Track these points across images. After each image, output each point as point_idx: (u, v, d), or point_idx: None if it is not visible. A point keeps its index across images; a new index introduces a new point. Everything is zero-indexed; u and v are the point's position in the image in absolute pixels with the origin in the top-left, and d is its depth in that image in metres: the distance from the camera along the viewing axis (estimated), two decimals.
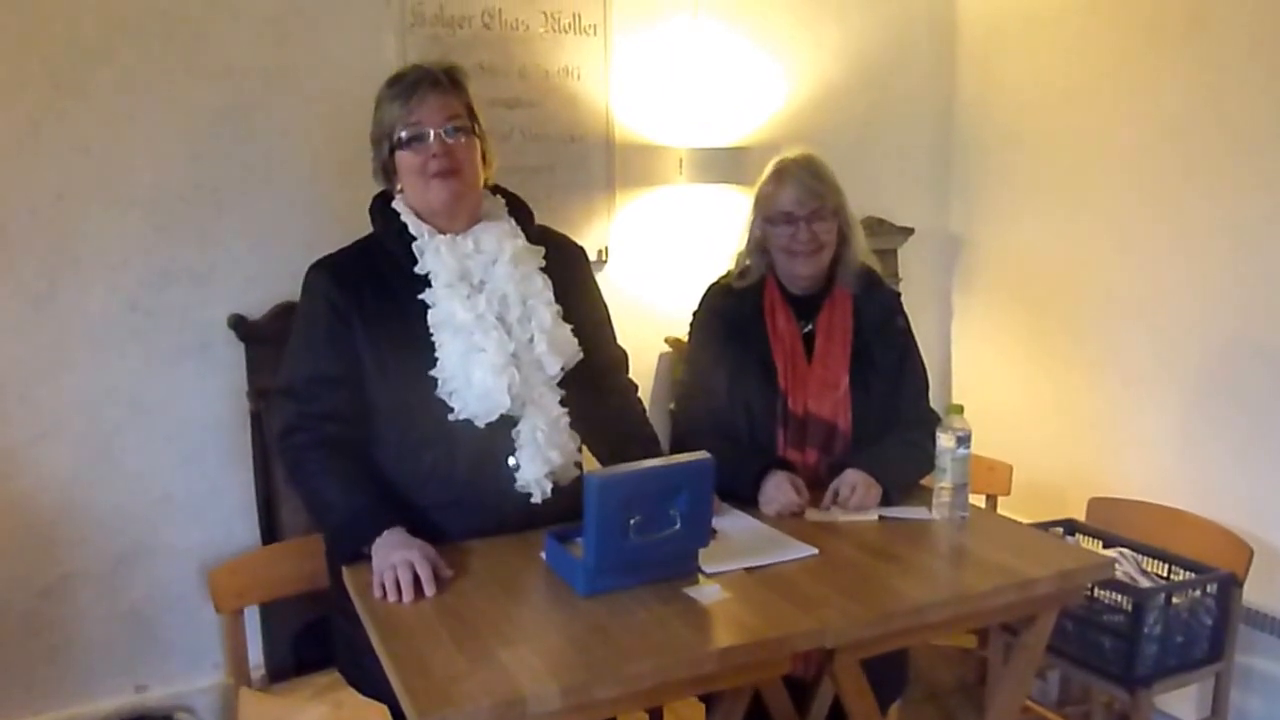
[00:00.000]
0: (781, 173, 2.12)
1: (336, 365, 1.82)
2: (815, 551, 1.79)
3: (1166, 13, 2.65)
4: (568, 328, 1.90)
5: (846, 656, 1.61)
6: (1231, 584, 2.34)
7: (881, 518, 1.96)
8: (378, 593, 1.62)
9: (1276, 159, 2.42)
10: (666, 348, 3.06)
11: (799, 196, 2.08)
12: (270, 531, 2.59)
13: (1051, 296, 3.07)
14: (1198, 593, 2.31)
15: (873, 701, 1.72)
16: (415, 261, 1.84)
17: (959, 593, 1.67)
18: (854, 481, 1.99)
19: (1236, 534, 2.41)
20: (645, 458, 1.72)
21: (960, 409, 1.94)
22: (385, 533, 1.70)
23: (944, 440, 1.91)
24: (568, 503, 1.77)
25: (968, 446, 1.91)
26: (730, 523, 1.91)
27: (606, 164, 2.97)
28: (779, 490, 1.98)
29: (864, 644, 1.60)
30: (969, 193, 3.33)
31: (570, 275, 1.97)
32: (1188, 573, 2.37)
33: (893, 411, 2.11)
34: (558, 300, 1.89)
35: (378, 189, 1.93)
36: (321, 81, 2.60)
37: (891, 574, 1.75)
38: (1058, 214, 3.02)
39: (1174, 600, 2.28)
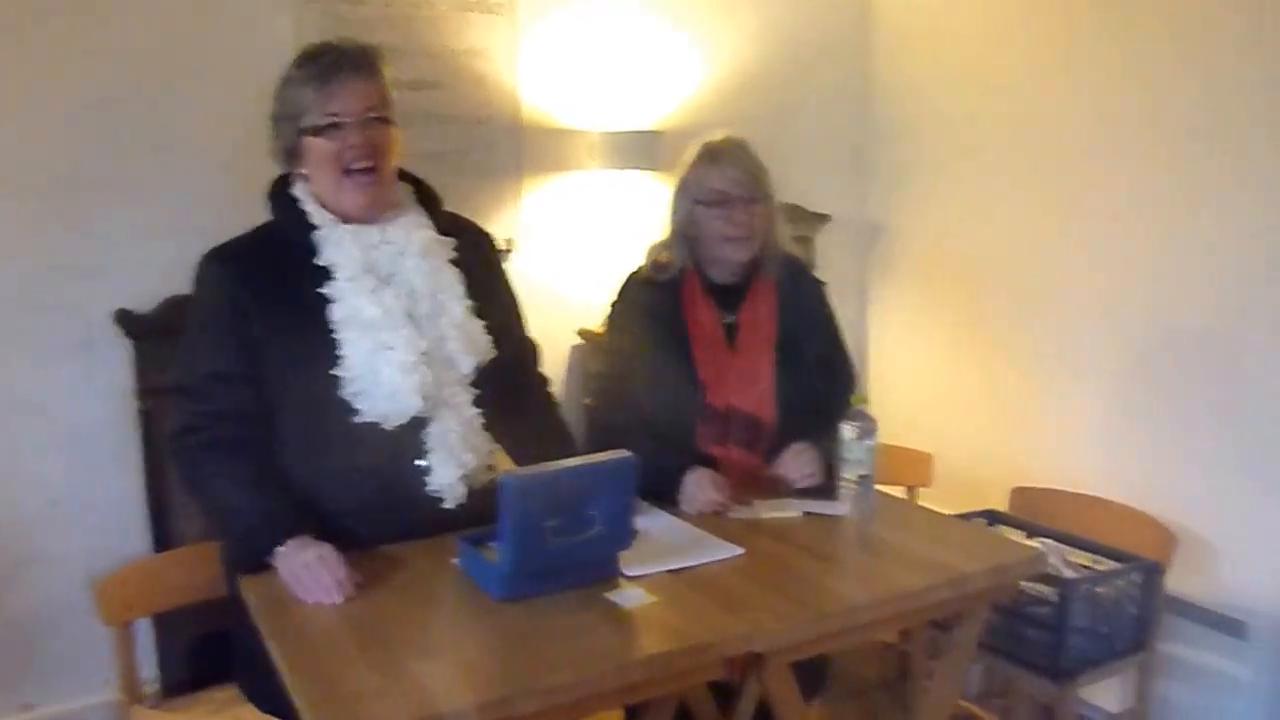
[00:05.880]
0: (715, 153, 2.06)
1: (234, 361, 1.71)
2: (741, 551, 1.73)
3: (1089, 10, 2.65)
4: (480, 323, 1.81)
5: (777, 660, 1.55)
6: (1155, 573, 2.35)
7: (807, 514, 1.91)
8: (303, 595, 1.54)
9: (1188, 148, 2.44)
10: (579, 340, 2.98)
11: (736, 177, 2.02)
12: (162, 538, 2.48)
13: (972, 284, 3.07)
14: (1122, 582, 2.31)
15: (802, 705, 1.67)
16: (317, 252, 1.73)
17: (893, 591, 1.63)
18: (793, 450, 1.96)
19: (1159, 522, 2.42)
20: (563, 457, 1.64)
21: (864, 399, 1.91)
22: (290, 540, 1.60)
23: (848, 431, 1.87)
24: (482, 506, 1.68)
25: (873, 438, 1.88)
26: (652, 523, 1.83)
27: (515, 148, 2.88)
28: (700, 488, 1.92)
29: (795, 647, 1.55)
30: (887, 180, 3.32)
31: (480, 266, 1.88)
32: (1112, 562, 2.38)
33: (819, 403, 2.06)
34: (468, 293, 1.80)
35: (277, 173, 1.81)
36: (213, 64, 2.49)
37: (820, 573, 1.70)
38: (976, 202, 3.02)
39: (1099, 590, 2.27)
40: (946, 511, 2.61)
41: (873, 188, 3.36)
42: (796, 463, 1.97)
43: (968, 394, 3.09)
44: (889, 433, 3.08)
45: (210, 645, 2.13)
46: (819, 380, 2.08)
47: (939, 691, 1.91)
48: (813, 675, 2.00)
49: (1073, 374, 2.77)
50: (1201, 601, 2.43)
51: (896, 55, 3.25)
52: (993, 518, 2.65)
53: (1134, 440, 2.61)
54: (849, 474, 1.90)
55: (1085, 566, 2.41)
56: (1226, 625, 2.39)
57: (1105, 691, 2.51)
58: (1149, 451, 2.56)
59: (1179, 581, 2.43)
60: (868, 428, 1.89)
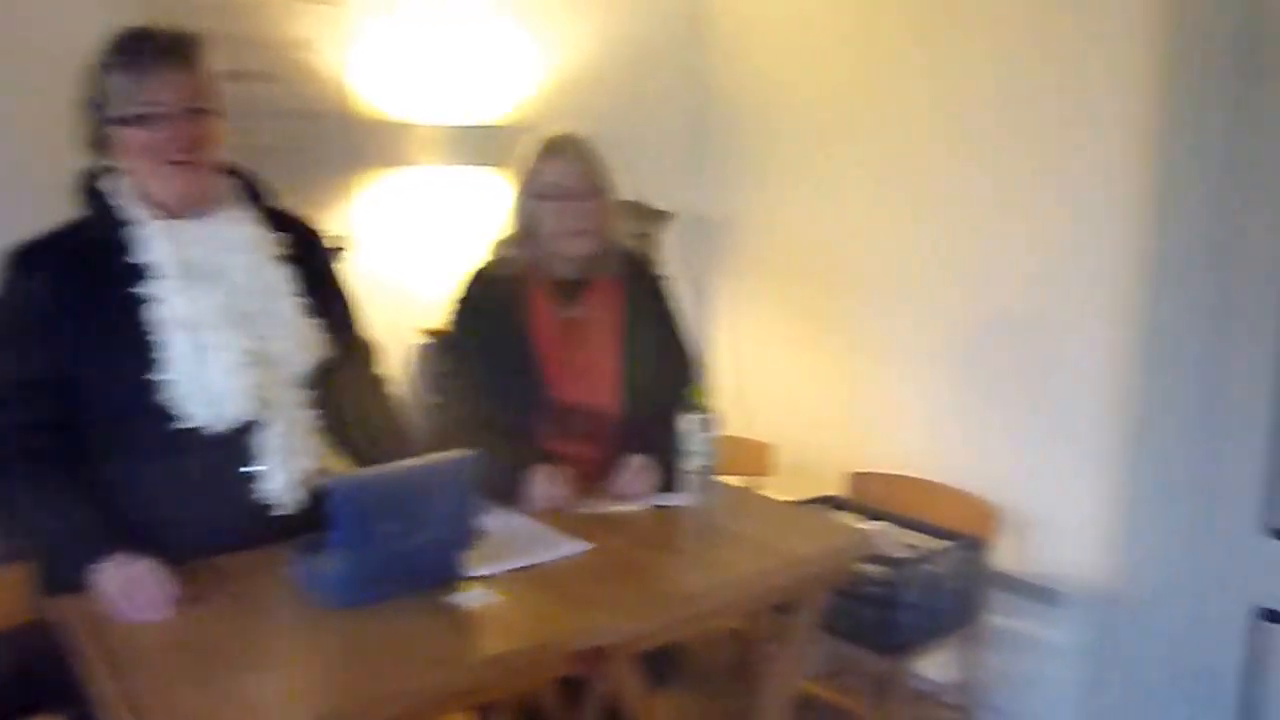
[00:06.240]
0: (554, 147, 2.05)
1: (42, 366, 1.60)
2: (588, 547, 1.73)
3: (919, 12, 2.77)
4: (311, 322, 1.74)
5: (623, 653, 1.56)
6: (978, 549, 2.49)
7: (651, 506, 1.93)
8: (127, 614, 1.45)
9: (996, 149, 2.59)
10: (422, 338, 2.92)
11: (574, 171, 2.02)
12: None
13: (810, 278, 3.17)
14: (948, 560, 2.44)
15: (650, 696, 1.69)
16: (132, 249, 1.63)
17: (732, 578, 1.66)
18: (631, 468, 1.97)
19: (983, 501, 2.56)
20: (401, 458, 1.60)
21: (706, 392, 1.94)
22: (110, 556, 1.51)
23: (690, 423, 1.91)
24: (316, 512, 1.62)
25: (714, 429, 1.92)
26: (498, 522, 1.81)
27: (349, 143, 2.79)
28: (545, 484, 1.91)
29: (640, 638, 1.56)
30: (728, 176, 3.38)
31: (312, 262, 1.81)
32: (942, 541, 2.50)
33: (666, 397, 2.08)
34: (298, 291, 1.74)
35: (85, 164, 1.69)
36: (15, 48, 2.31)
37: (665, 564, 1.73)
38: (812, 197, 3.11)
39: (928, 569, 2.39)
40: (790, 499, 2.71)
41: (715, 184, 3.42)
42: (635, 480, 1.98)
43: (809, 385, 3.19)
44: (735, 425, 3.15)
45: (15, 676, 1.98)
46: (661, 374, 2.10)
47: (781, 674, 1.96)
48: (662, 665, 2.02)
49: (902, 363, 2.90)
50: (1023, 574, 2.58)
51: (733, 52, 3.31)
52: (834, 503, 2.75)
53: (958, 424, 2.75)
54: (691, 465, 1.93)
55: (917, 546, 2.53)
56: (1044, 595, 2.55)
57: (937, 663, 2.64)
58: (973, 434, 2.71)
59: (1003, 556, 2.58)
60: (709, 420, 1.93)
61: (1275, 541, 2.16)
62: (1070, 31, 2.40)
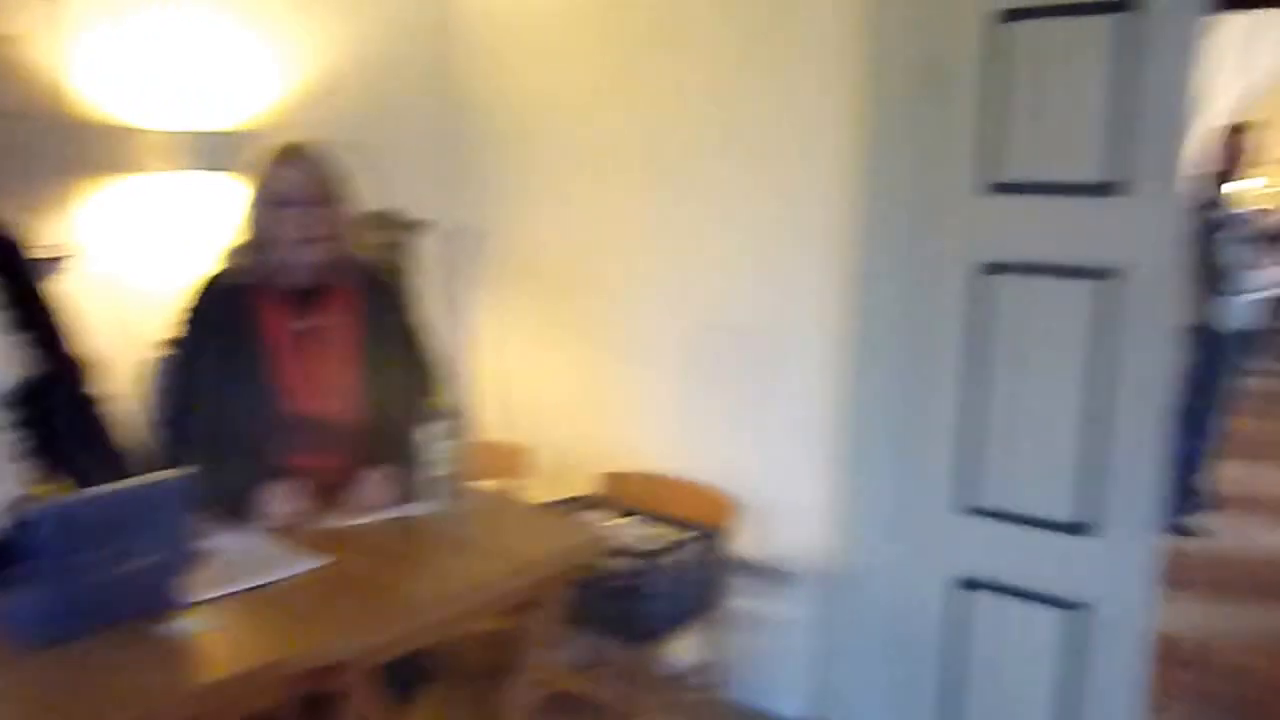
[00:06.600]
0: (287, 154, 2.01)
1: None
2: (322, 562, 1.71)
3: (653, 20, 2.89)
4: (13, 338, 1.64)
5: (358, 668, 1.56)
6: (716, 539, 2.65)
7: (390, 517, 1.94)
8: None
9: (727, 162, 2.75)
10: (153, 352, 2.76)
11: (307, 178, 1.98)
12: None
13: (564, 284, 3.24)
14: (689, 551, 2.58)
15: (397, 707, 1.69)
16: None
17: (466, 584, 1.70)
18: (371, 479, 1.96)
19: (722, 494, 2.73)
20: (116, 480, 1.53)
21: (445, 400, 1.98)
22: None
23: (431, 432, 1.93)
24: (18, 542, 1.52)
25: (457, 437, 1.95)
26: (230, 541, 1.77)
27: (69, 147, 2.59)
28: (279, 500, 1.88)
29: (374, 652, 1.57)
30: (485, 184, 3.40)
31: (13, 274, 1.70)
32: (687, 533, 2.64)
33: (405, 407, 2.09)
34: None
35: None
36: None
37: (400, 575, 1.73)
38: (563, 206, 3.19)
39: (671, 559, 2.52)
40: (547, 500, 2.77)
41: (471, 192, 3.42)
42: (376, 491, 1.98)
43: (565, 388, 3.27)
44: (496, 429, 3.18)
45: None
46: (401, 383, 2.10)
47: (528, 672, 2.02)
48: (409, 674, 2.03)
49: (650, 365, 3.03)
50: (760, 559, 2.77)
51: (483, 61, 3.33)
52: (586, 503, 2.84)
53: (699, 423, 2.91)
54: (434, 474, 1.95)
55: (663, 539, 2.66)
56: (778, 577, 2.75)
57: (684, 648, 2.79)
58: (712, 432, 2.87)
59: (743, 543, 2.75)
60: (453, 427, 1.95)
61: (965, 517, 2.43)
62: (783, 50, 2.60)
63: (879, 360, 2.52)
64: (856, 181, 2.51)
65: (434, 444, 1.94)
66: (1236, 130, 4.08)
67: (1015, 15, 2.25)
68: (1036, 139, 2.27)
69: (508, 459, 2.87)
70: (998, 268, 2.33)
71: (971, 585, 2.46)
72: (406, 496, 1.98)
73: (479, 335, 3.46)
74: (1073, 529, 2.30)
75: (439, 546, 1.86)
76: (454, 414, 2.00)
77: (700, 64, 2.79)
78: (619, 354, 3.10)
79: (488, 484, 2.57)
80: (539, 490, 2.91)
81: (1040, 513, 2.34)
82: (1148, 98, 2.12)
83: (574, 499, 2.86)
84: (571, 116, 3.12)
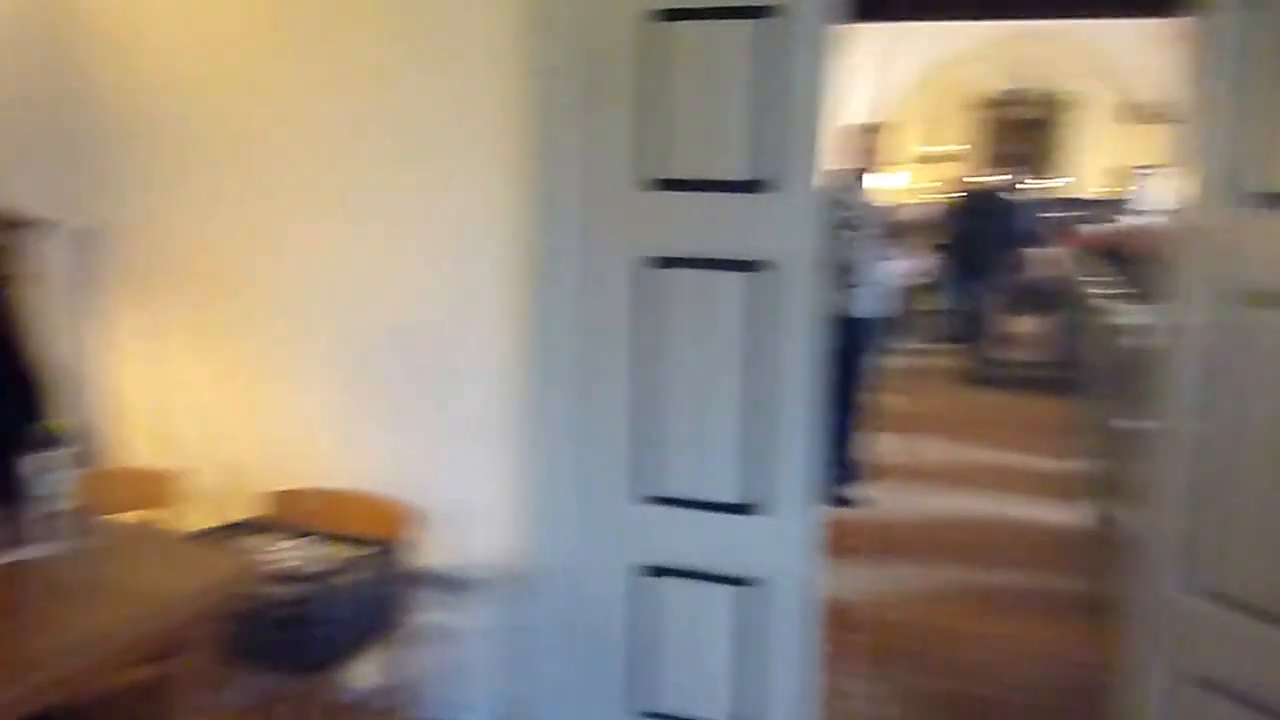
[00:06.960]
0: None
1: None
2: None
3: (312, 5, 2.70)
4: None
5: None
6: (395, 553, 2.52)
7: (2, 564, 1.65)
8: None
9: (389, 160, 2.63)
10: None
11: None
12: None
13: (218, 290, 2.95)
14: (365, 568, 2.43)
15: None
16: None
17: (92, 633, 1.48)
18: None
19: (398, 505, 2.60)
20: None
21: (58, 425, 1.73)
22: None
23: (39, 462, 1.69)
24: None
25: (72, 466, 1.71)
26: None
27: None
28: None
29: None
30: (116, 181, 3.02)
31: None
32: (362, 549, 2.48)
33: (7, 431, 1.79)
34: None
35: None
36: None
37: (13, 628, 1.47)
38: (207, 207, 2.89)
39: (344, 579, 2.36)
40: (205, 529, 2.51)
41: (98, 190, 3.03)
42: None
43: (225, 403, 2.98)
44: (142, 452, 2.86)
45: None
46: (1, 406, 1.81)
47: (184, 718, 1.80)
48: None
49: (314, 374, 2.83)
50: (445, 568, 2.67)
51: (104, 53, 2.95)
52: (251, 527, 2.60)
53: (369, 432, 2.76)
54: (48, 509, 1.68)
55: (336, 559, 2.48)
56: (464, 585, 2.66)
57: (365, 671, 2.63)
58: (384, 440, 2.73)
59: (427, 554, 2.63)
60: (68, 456, 1.69)
61: (644, 506, 2.48)
62: (453, 42, 2.53)
63: (555, 356, 2.51)
64: (528, 178, 2.48)
65: (49, 475, 1.68)
66: (870, 130, 4.51)
67: (669, 16, 2.31)
68: (694, 137, 2.35)
69: (153, 486, 2.58)
70: (664, 261, 2.39)
71: (655, 572, 2.51)
72: (16, 539, 1.70)
73: (123, 347, 3.08)
74: (742, 510, 2.41)
75: (57, 593, 1.61)
76: (75, 439, 1.74)
77: (364, 55, 2.64)
78: (281, 363, 2.87)
79: (127, 516, 2.28)
80: (198, 517, 2.64)
81: (713, 496, 2.43)
82: (789, 99, 2.26)
83: (238, 524, 2.61)
84: (219, 106, 2.85)
